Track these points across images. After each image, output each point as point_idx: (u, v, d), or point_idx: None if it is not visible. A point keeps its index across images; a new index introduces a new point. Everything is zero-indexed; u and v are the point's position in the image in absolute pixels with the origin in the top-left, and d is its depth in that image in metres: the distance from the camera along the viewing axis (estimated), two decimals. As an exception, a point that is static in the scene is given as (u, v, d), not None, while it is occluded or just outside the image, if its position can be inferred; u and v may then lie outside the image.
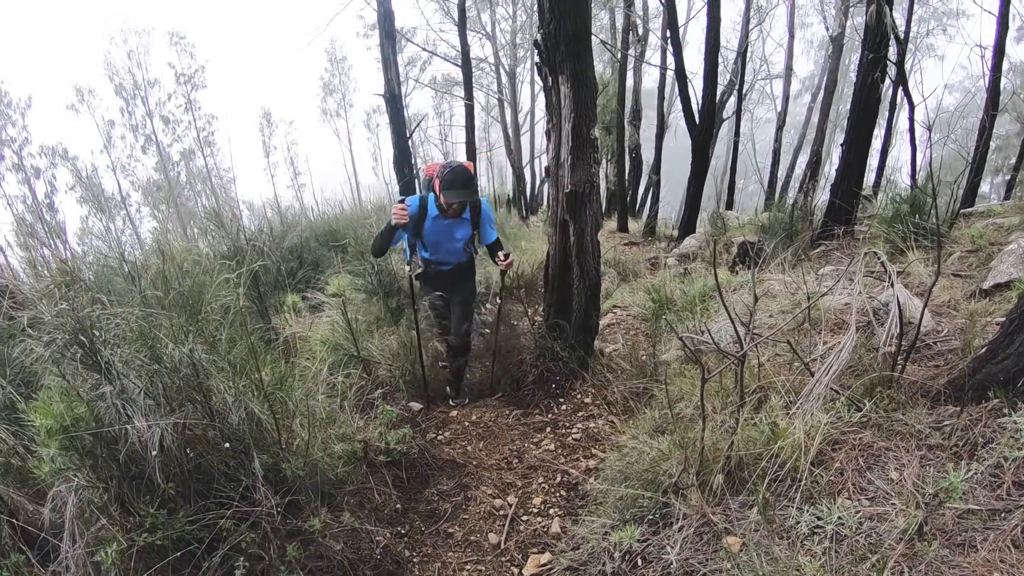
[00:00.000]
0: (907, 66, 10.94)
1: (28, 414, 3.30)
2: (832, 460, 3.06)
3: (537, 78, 28.25)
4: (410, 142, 13.69)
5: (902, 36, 10.54)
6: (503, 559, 3.67)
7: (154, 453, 3.08)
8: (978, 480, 2.65)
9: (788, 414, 3.33)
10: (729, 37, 19.89)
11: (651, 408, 4.44)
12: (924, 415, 3.19)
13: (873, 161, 12.32)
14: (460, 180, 5.39)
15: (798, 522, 2.72)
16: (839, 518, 2.65)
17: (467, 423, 5.35)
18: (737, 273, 7.44)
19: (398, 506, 4.11)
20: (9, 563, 3.05)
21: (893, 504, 2.69)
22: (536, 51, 5.20)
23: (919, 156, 10.45)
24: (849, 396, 3.41)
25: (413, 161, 13.40)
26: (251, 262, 5.04)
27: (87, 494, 3.17)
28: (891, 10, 8.23)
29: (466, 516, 4.10)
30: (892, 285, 3.80)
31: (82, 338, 3.21)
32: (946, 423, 3.10)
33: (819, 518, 2.69)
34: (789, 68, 23.29)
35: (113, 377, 3.24)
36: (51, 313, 3.29)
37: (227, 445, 3.37)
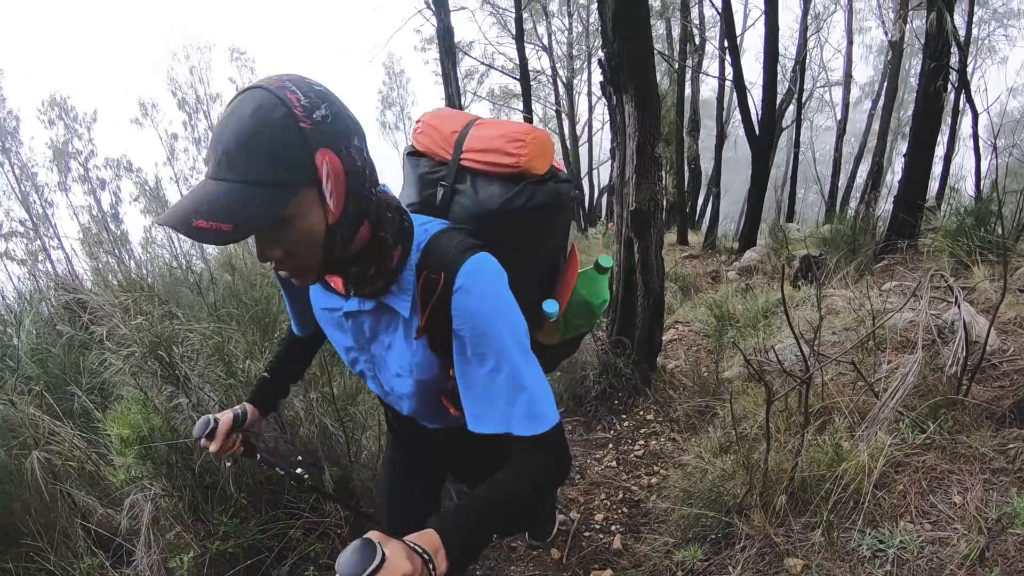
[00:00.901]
0: (968, 70, 10.77)
1: (105, 424, 3.44)
2: (895, 483, 3.08)
3: (595, 90, 28.58)
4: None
5: (963, 40, 10.40)
6: (565, 574, 3.73)
7: (228, 464, 3.19)
8: (1043, 506, 2.67)
9: (852, 436, 3.36)
10: (787, 45, 19.61)
11: (714, 427, 4.48)
12: (988, 437, 3.19)
13: (936, 168, 12.16)
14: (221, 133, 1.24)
15: (860, 545, 2.74)
16: (901, 542, 2.67)
17: (530, 438, 5.35)
18: (799, 288, 7.41)
19: (463, 519, 4.18)
20: (83, 565, 3.19)
21: (955, 528, 2.70)
22: (600, 70, 5.27)
23: (983, 164, 10.32)
24: (913, 418, 3.42)
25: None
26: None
27: (163, 502, 3.31)
28: (951, 15, 8.14)
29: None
30: (957, 305, 3.81)
31: (161, 352, 3.36)
32: (1011, 446, 3.09)
33: (881, 541, 2.72)
34: (848, 75, 23.05)
35: (189, 390, 3.38)
36: (128, 327, 3.45)
37: (299, 458, 3.49)
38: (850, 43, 22.71)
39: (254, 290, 4.62)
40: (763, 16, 12.37)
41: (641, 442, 5.12)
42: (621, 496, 4.44)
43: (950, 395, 3.47)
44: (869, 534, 2.77)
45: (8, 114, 34.95)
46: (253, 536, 3.24)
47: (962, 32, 10.84)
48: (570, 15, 27.04)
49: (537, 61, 28.78)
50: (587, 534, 4.06)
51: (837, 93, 25.47)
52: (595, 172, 31.72)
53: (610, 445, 5.17)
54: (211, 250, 6.64)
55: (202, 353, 3.63)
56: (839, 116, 23.04)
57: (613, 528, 4.09)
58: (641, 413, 5.54)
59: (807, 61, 19.61)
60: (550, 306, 2.06)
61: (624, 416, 5.54)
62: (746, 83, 13.57)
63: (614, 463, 4.89)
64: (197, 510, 3.38)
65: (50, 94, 36.28)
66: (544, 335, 2.24)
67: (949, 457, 3.16)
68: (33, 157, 35.40)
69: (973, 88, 10.62)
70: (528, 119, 15.65)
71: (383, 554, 1.04)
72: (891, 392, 3.40)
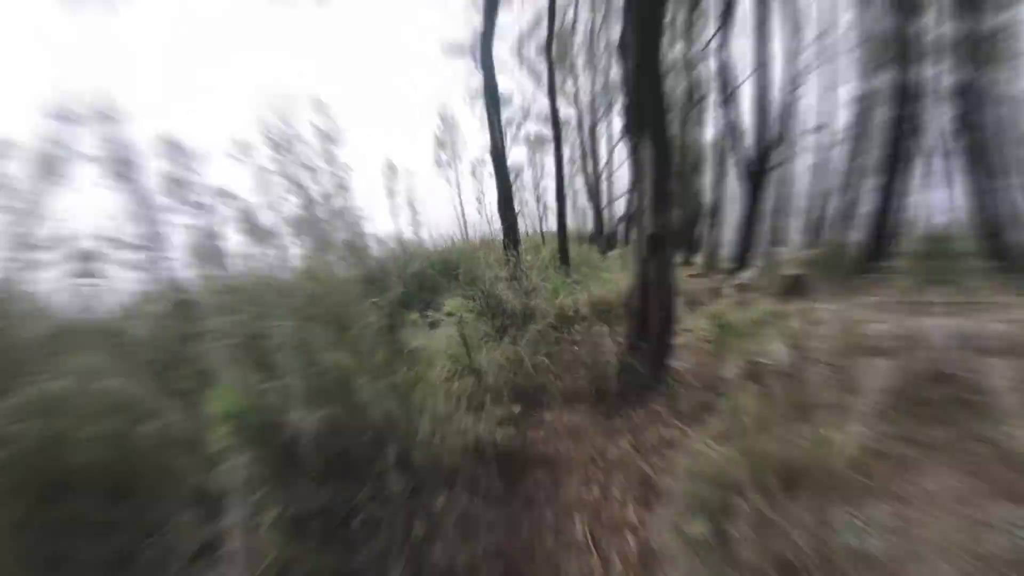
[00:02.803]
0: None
1: (205, 402, 3.56)
2: (872, 468, 3.14)
3: (614, 134, 29.01)
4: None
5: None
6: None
7: (307, 439, 3.31)
8: None
9: (835, 427, 3.41)
10: (777, 95, 19.70)
11: (716, 418, 4.53)
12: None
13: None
14: None
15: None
16: (875, 517, 2.73)
17: (558, 426, 5.46)
18: (788, 302, 7.43)
19: (501, 492, 4.27)
20: (182, 519, 3.32)
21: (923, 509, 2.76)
22: (623, 117, 5.40)
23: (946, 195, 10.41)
24: (884, 411, 3.47)
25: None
26: (395, 289, 5.33)
27: (253, 468, 3.42)
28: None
29: (557, 503, 4.25)
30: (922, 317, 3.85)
31: (253, 344, 3.48)
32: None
33: (856, 517, 2.78)
34: (826, 123, 22.97)
35: (277, 376, 3.51)
36: (227, 323, 3.59)
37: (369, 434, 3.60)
38: (830, 92, 22.59)
39: (332, 296, 4.74)
40: (753, 75, 12.74)
41: (653, 430, 5.16)
42: (636, 476, 4.49)
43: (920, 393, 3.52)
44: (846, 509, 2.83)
45: (127, 148, 35.72)
46: (327, 499, 3.35)
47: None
48: (594, 72, 27.62)
49: (567, 110, 29.20)
50: (606, 506, 4.13)
51: (820, 137, 25.30)
52: (614, 204, 32.04)
53: (627, 432, 5.21)
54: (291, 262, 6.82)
55: (287, 347, 3.75)
56: (818, 156, 22.92)
57: (629, 503, 4.16)
58: (654, 406, 5.56)
59: (793, 109, 19.68)
60: None
61: (640, 408, 5.56)
62: (741, 129, 13.89)
63: (630, 448, 4.93)
64: (280, 476, 3.48)
65: (162, 133, 36.92)
66: None
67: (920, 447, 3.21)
68: (151, 186, 36.16)
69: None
70: (559, 159, 15.79)
71: None
72: (866, 388, 3.45)
